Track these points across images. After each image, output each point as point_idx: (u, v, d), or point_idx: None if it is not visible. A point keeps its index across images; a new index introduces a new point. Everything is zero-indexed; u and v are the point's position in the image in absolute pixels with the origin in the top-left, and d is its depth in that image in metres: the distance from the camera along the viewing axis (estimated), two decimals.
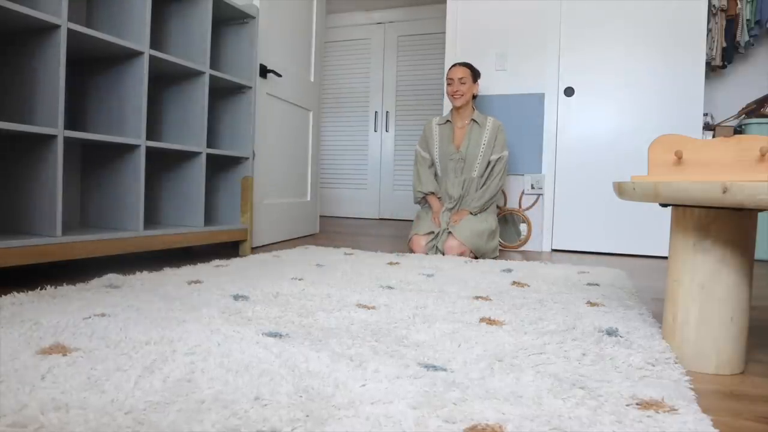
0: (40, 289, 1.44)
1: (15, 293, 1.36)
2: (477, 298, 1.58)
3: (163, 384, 0.78)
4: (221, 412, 0.69)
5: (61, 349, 0.93)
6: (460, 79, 2.86)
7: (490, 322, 1.28)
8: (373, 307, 1.39)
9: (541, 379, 0.88)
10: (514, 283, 1.87)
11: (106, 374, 0.82)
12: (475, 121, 2.91)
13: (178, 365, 0.86)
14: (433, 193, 2.96)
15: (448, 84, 2.91)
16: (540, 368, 0.93)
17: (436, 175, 2.99)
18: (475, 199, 2.84)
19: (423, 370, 0.89)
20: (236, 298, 1.42)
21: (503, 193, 3.31)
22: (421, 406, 0.71)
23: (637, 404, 0.80)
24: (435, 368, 0.90)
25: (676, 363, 1.02)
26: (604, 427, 0.70)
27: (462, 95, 2.87)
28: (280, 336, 1.07)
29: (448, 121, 2.98)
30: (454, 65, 2.94)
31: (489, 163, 2.87)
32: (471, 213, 2.81)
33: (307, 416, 0.67)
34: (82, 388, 0.76)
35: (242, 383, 0.79)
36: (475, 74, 2.92)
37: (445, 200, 2.91)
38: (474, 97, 2.96)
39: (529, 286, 1.82)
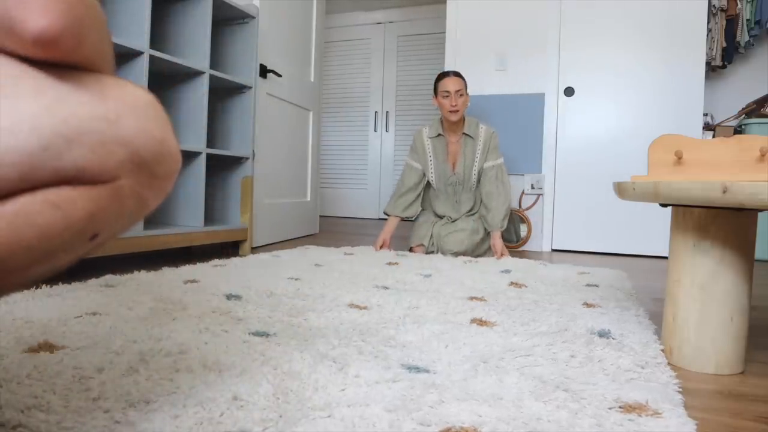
0: (36, 288, 1.45)
1: None
2: (472, 298, 1.57)
3: (146, 382, 0.79)
4: (198, 411, 0.69)
5: (48, 348, 0.94)
6: (458, 91, 2.63)
7: (481, 323, 1.28)
8: (365, 307, 1.39)
9: (525, 381, 0.87)
10: (511, 283, 1.86)
11: (90, 372, 0.82)
12: (467, 135, 2.74)
13: (161, 364, 0.86)
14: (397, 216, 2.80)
15: (444, 97, 2.65)
16: (525, 370, 0.93)
17: (422, 192, 2.84)
18: (496, 219, 2.66)
19: (405, 372, 0.89)
20: (229, 297, 1.43)
21: None
22: (397, 409, 0.71)
23: (619, 407, 0.79)
24: (417, 369, 0.90)
25: (667, 365, 1.01)
26: (582, 430, 0.70)
27: (459, 110, 2.64)
28: (267, 335, 1.07)
29: (439, 134, 2.78)
30: (446, 76, 2.69)
31: (482, 169, 2.74)
32: (499, 230, 2.67)
33: (281, 417, 0.67)
34: (66, 387, 0.76)
35: (221, 382, 0.80)
36: (466, 84, 2.72)
37: (437, 213, 2.87)
38: None
39: (526, 286, 1.82)
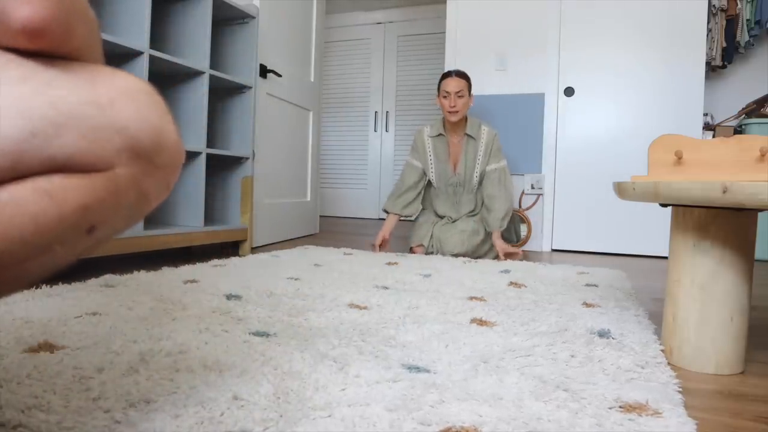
0: (36, 288, 1.45)
1: None
2: (472, 298, 1.57)
3: (146, 382, 0.79)
4: (199, 411, 0.69)
5: (48, 347, 0.94)
6: (457, 93, 2.61)
7: (481, 323, 1.28)
8: (365, 307, 1.39)
9: (525, 380, 0.87)
10: (511, 283, 1.86)
11: (90, 372, 0.82)
12: (469, 135, 2.72)
13: (162, 364, 0.86)
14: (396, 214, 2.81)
15: (443, 97, 2.65)
16: (525, 370, 0.93)
17: (422, 190, 2.85)
18: (496, 219, 2.66)
19: (405, 372, 0.89)
20: (229, 297, 1.43)
21: None
22: (397, 409, 0.71)
23: (620, 407, 0.79)
24: (418, 369, 0.90)
25: (667, 365, 1.02)
26: (582, 430, 0.70)
27: (458, 111, 2.62)
28: (268, 335, 1.07)
29: (440, 134, 2.77)
30: (448, 76, 2.67)
31: (484, 172, 2.74)
32: (500, 230, 2.67)
33: (281, 416, 0.67)
34: (66, 387, 0.76)
35: (222, 382, 0.80)
36: (470, 84, 2.70)
37: (437, 213, 2.87)
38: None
39: (526, 286, 1.82)
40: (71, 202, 0.41)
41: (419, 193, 2.83)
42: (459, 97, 2.62)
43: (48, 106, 0.39)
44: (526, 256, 2.93)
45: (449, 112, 2.64)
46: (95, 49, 0.47)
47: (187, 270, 1.88)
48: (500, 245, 2.64)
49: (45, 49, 0.42)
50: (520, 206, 3.32)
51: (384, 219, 5.26)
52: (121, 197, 0.44)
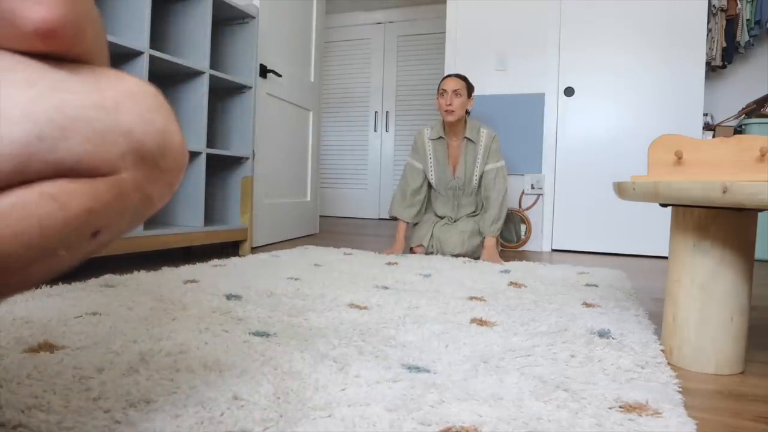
0: (36, 288, 1.45)
1: None
2: (472, 298, 1.57)
3: (146, 382, 0.79)
4: (199, 411, 0.69)
5: (48, 348, 0.94)
6: (455, 91, 2.59)
7: (481, 323, 1.28)
8: (365, 307, 1.39)
9: (525, 380, 0.87)
10: (511, 283, 1.86)
11: (90, 372, 0.82)
12: (469, 139, 2.70)
13: (162, 364, 0.86)
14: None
15: (441, 95, 2.64)
16: (525, 370, 0.93)
17: (426, 195, 2.84)
18: (486, 224, 2.65)
19: (405, 372, 0.89)
20: (229, 297, 1.43)
21: None
22: (397, 409, 0.72)
23: (620, 407, 0.79)
24: (418, 369, 0.90)
25: (667, 365, 1.02)
26: (582, 430, 0.70)
27: (454, 110, 2.60)
28: (268, 335, 1.07)
29: (440, 137, 2.75)
30: (448, 76, 2.68)
31: (483, 173, 2.73)
32: (493, 236, 2.66)
33: (281, 416, 0.67)
34: (66, 387, 0.76)
35: (222, 382, 0.80)
36: (470, 88, 2.68)
37: (437, 214, 2.87)
38: (467, 113, 2.73)
39: (526, 286, 1.82)
40: (76, 207, 0.41)
41: (424, 197, 2.84)
42: (457, 95, 2.60)
43: (54, 110, 0.39)
44: (525, 256, 2.93)
45: (446, 111, 2.62)
46: (102, 51, 0.47)
47: (187, 270, 1.88)
48: (487, 254, 2.61)
49: (55, 51, 0.41)
50: (520, 206, 3.32)
51: (384, 219, 5.28)
52: (125, 201, 0.44)
